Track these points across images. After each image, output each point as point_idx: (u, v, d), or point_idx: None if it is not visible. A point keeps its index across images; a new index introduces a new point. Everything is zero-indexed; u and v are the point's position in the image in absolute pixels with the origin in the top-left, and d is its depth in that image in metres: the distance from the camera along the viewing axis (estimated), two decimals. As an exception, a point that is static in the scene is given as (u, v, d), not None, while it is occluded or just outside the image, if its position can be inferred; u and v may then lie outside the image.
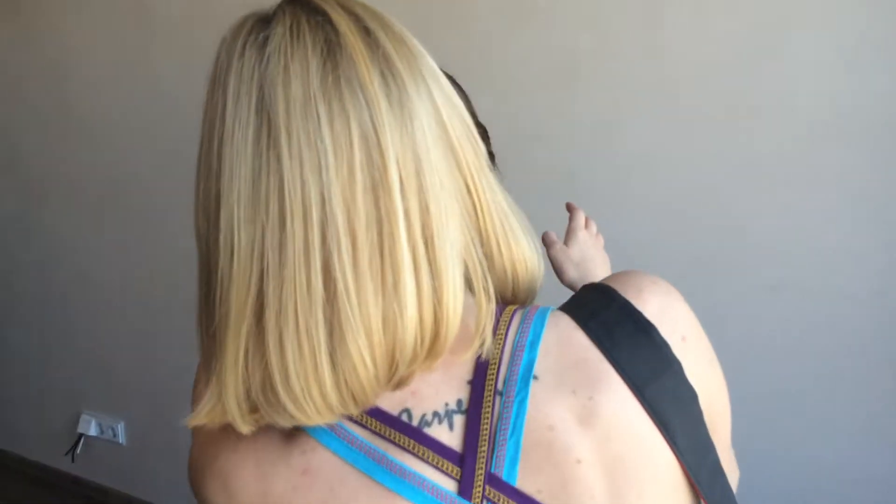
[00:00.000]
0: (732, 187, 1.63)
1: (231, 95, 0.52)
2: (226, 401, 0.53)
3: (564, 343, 0.57)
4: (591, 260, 0.98)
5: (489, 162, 0.60)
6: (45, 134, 2.55)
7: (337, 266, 0.50)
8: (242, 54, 0.53)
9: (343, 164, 0.50)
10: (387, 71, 0.53)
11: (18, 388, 2.92)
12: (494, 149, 1.82)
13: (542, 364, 0.56)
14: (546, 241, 1.00)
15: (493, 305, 0.57)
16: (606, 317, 0.57)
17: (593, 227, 1.04)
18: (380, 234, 0.51)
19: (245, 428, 0.54)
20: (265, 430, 0.57)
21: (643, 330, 0.57)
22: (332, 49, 0.52)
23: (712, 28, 1.59)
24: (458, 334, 0.55)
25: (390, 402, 0.57)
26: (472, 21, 1.81)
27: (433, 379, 0.57)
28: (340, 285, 0.50)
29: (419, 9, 1.85)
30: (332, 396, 0.51)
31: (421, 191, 0.52)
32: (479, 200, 0.57)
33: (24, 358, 2.88)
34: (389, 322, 0.51)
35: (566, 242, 1.00)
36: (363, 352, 0.51)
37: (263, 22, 0.54)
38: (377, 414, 0.56)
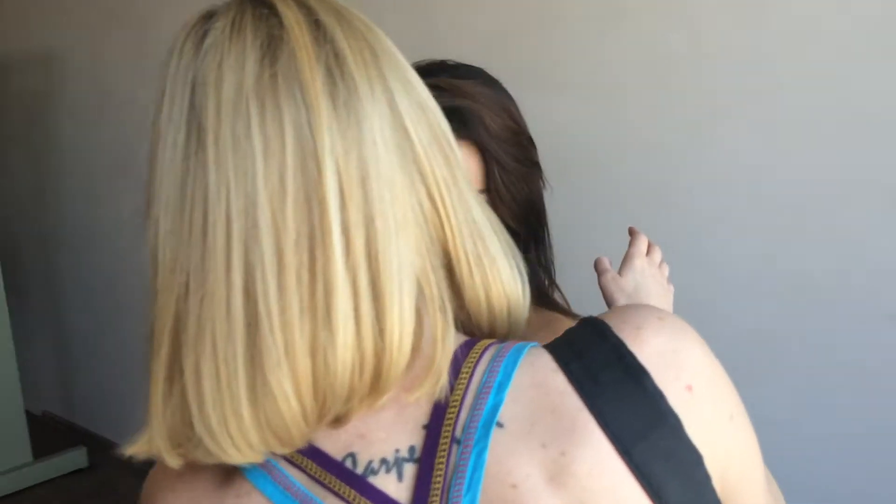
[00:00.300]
0: (847, 203, 1.47)
1: (166, 95, 0.49)
2: (152, 430, 0.48)
3: (539, 386, 0.49)
4: (646, 291, 0.88)
5: (464, 174, 0.54)
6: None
7: (259, 286, 0.45)
8: (181, 51, 0.49)
9: (273, 172, 0.45)
10: (335, 68, 0.47)
11: (136, 383, 3.06)
12: (577, 158, 1.74)
13: (510, 410, 0.48)
14: (597, 269, 0.91)
15: (452, 339, 0.50)
16: (593, 358, 0.49)
17: (656, 256, 0.93)
18: (311, 250, 0.45)
19: (173, 462, 0.49)
20: (206, 469, 0.52)
21: (633, 376, 0.48)
22: (273, 43, 0.47)
23: (822, 26, 1.43)
24: (419, 370, 0.49)
25: (335, 445, 0.51)
26: (557, 24, 1.72)
27: (385, 420, 0.50)
28: (262, 307, 0.44)
29: (504, 12, 1.79)
30: (252, 433, 0.46)
31: (366, 203, 0.46)
32: (448, 218, 0.51)
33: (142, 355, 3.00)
34: (318, 351, 0.45)
35: (620, 270, 0.90)
36: (285, 384, 0.45)
37: (210, 15, 0.50)
38: (318, 456, 0.50)
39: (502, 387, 0.49)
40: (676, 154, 1.65)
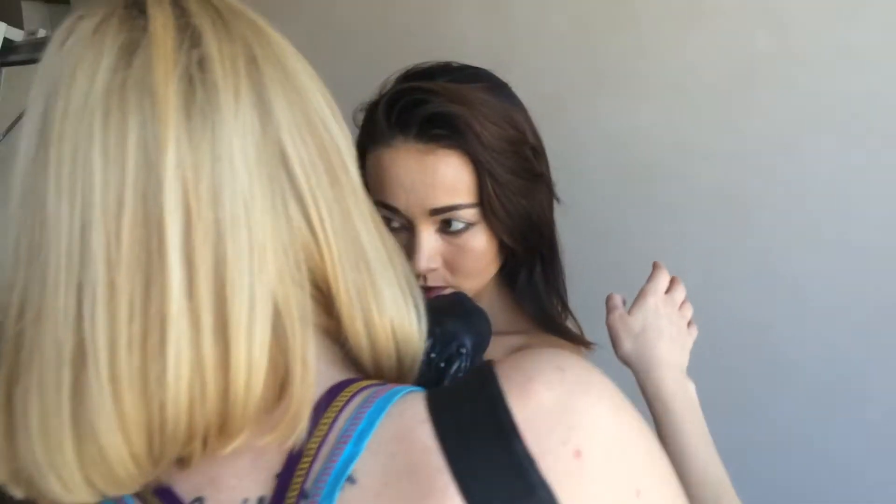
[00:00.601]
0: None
1: (30, 101, 0.45)
2: None
3: (402, 440, 0.43)
4: (656, 333, 0.77)
5: (359, 198, 0.47)
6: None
7: (87, 312, 0.40)
8: (48, 52, 0.46)
9: (111, 187, 0.41)
10: (197, 76, 0.42)
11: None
12: (657, 164, 1.61)
13: (367, 464, 0.43)
14: (607, 306, 0.82)
15: (313, 379, 0.45)
16: (467, 410, 0.43)
17: (678, 295, 0.83)
18: (146, 275, 0.40)
19: (18, 492, 0.45)
20: None
21: (502, 436, 0.41)
22: (131, 48, 0.43)
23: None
24: (278, 413, 0.44)
25: (186, 486, 0.46)
26: (632, 23, 1.60)
27: (240, 467, 0.46)
28: (88, 336, 0.40)
29: (574, 12, 1.68)
30: (76, 473, 0.41)
31: (216, 226, 0.41)
32: (329, 244, 0.45)
33: None
34: (148, 389, 0.40)
35: (630, 309, 0.81)
36: (109, 422, 0.40)
37: (83, 17, 0.46)
38: (167, 497, 0.46)
39: (363, 436, 0.43)
40: (764, 163, 1.50)
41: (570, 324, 0.85)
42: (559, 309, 0.84)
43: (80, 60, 0.42)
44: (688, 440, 0.70)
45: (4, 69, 2.75)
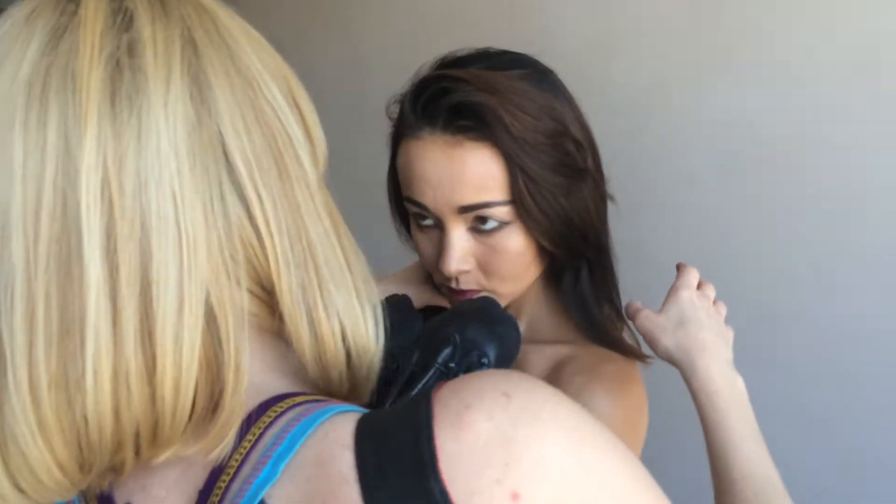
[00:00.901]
0: None
1: None
2: None
3: (321, 465, 0.39)
4: (696, 324, 0.70)
5: (313, 192, 0.44)
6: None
7: (3, 314, 0.38)
8: None
9: (31, 177, 0.38)
10: (126, 61, 0.39)
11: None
12: (761, 154, 1.47)
13: (282, 489, 0.39)
14: (629, 312, 0.75)
15: (244, 390, 0.42)
16: (393, 441, 0.38)
17: (709, 292, 0.75)
18: (65, 273, 0.38)
19: None
20: None
21: (419, 472, 0.37)
22: (61, 30, 0.40)
23: None
24: (210, 424, 0.41)
25: (122, 491, 0.45)
26: (740, 4, 1.48)
27: (169, 478, 0.44)
28: (6, 337, 0.38)
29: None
30: (4, 480, 0.40)
31: (141, 220, 0.38)
32: (273, 242, 0.42)
33: None
34: (68, 395, 0.38)
35: (663, 305, 0.73)
36: (30, 428, 0.38)
37: (22, 3, 0.45)
38: (105, 501, 0.45)
39: (281, 459, 0.40)
40: (884, 157, 1.34)
41: (627, 335, 0.78)
42: (612, 318, 0.77)
43: (10, 47, 0.41)
44: (731, 434, 0.63)
45: None
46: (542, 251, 0.73)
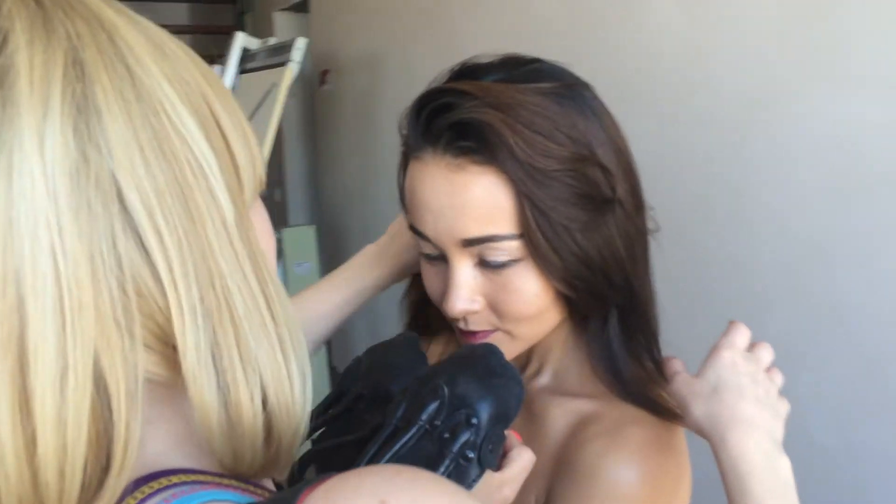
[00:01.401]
0: None
1: None
2: None
3: None
4: (735, 392, 0.57)
5: (235, 232, 0.38)
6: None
7: None
8: None
9: None
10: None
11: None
12: (872, 167, 1.29)
13: None
14: (666, 373, 0.63)
15: (129, 469, 0.36)
16: None
17: (762, 354, 0.62)
18: None
19: None
20: None
21: None
22: None
23: None
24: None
25: None
26: (846, 5, 1.31)
27: None
28: None
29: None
30: None
31: (16, 279, 0.33)
32: (176, 293, 0.36)
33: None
34: None
35: (701, 367, 0.61)
36: None
37: None
38: None
39: None
40: None
41: (664, 394, 0.66)
42: (653, 373, 0.65)
43: None
44: None
45: (242, 76, 2.97)
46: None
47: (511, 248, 0.60)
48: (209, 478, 0.38)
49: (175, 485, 0.37)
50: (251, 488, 0.40)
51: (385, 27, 2.95)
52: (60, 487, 0.34)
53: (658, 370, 0.65)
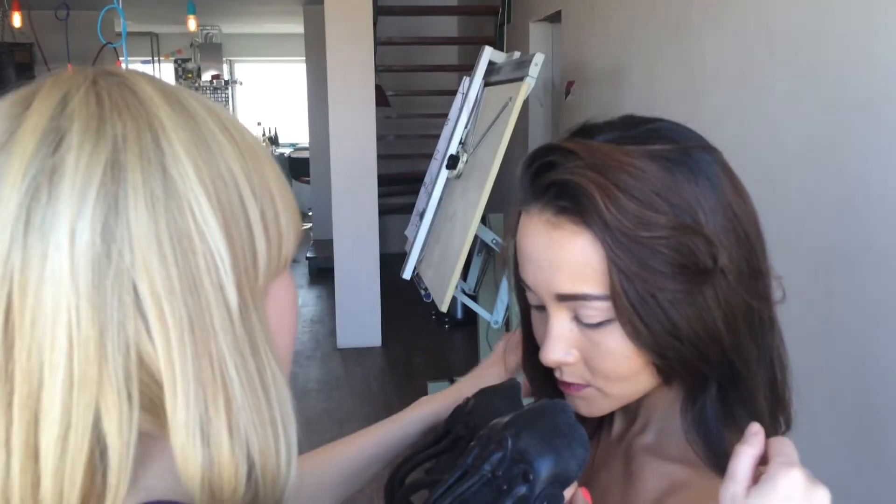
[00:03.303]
0: None
1: None
2: None
3: None
4: None
5: (234, 307, 0.43)
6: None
7: None
8: None
9: None
10: (45, 185, 0.41)
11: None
12: None
13: None
14: (726, 477, 0.54)
15: None
16: None
17: (819, 497, 0.51)
18: None
19: None
20: None
21: None
22: (4, 139, 0.43)
23: None
24: None
25: None
26: None
27: None
28: None
29: None
30: None
31: (38, 348, 0.40)
32: (174, 373, 0.41)
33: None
34: None
35: (753, 490, 0.52)
36: None
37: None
38: None
39: None
40: None
41: None
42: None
43: None
44: None
45: (486, 88, 3.09)
46: None
47: (602, 309, 0.60)
48: None
49: None
50: None
51: (630, 39, 2.91)
52: None
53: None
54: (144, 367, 0.41)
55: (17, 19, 4.45)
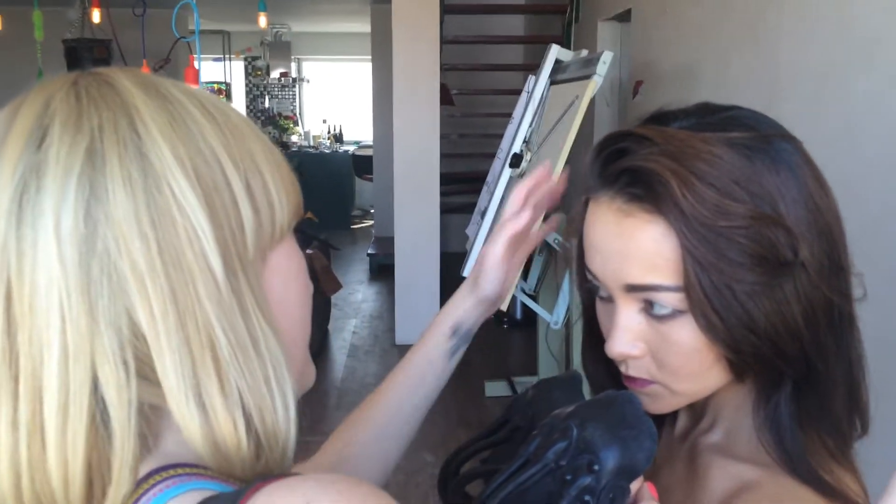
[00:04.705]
0: None
1: None
2: None
3: None
4: None
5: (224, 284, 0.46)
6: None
7: None
8: None
9: None
10: (32, 180, 0.44)
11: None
12: None
13: None
14: None
15: (126, 478, 0.44)
16: None
17: None
18: None
19: None
20: None
21: None
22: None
23: None
24: None
25: None
26: None
27: None
28: None
29: None
30: None
31: (37, 329, 0.43)
32: (159, 340, 0.44)
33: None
34: None
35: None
36: None
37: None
38: None
39: None
40: None
41: (848, 476, 0.57)
42: (830, 448, 0.57)
43: None
44: None
45: (553, 86, 3.06)
46: None
47: (674, 300, 0.58)
48: (209, 472, 0.46)
49: (179, 475, 0.45)
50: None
51: (703, 39, 2.84)
52: (65, 493, 0.43)
53: (841, 449, 0.59)
54: (137, 337, 0.44)
55: (96, 15, 4.60)
